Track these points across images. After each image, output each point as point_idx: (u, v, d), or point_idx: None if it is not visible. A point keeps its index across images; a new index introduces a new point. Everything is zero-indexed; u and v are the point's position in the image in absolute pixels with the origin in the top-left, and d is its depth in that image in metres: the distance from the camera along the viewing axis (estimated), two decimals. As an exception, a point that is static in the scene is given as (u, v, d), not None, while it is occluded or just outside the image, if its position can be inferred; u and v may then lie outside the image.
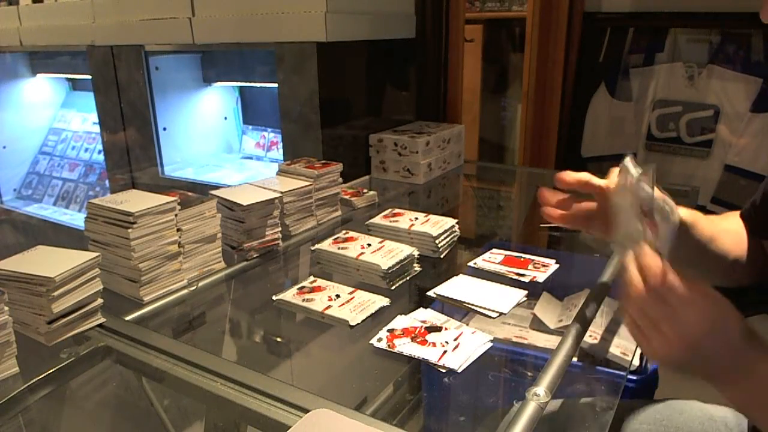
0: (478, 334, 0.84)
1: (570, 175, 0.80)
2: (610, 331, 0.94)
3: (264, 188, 1.20)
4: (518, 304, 0.94)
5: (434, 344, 0.81)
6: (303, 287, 1.02)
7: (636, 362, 1.20)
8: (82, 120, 2.86)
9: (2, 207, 2.81)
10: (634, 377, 1.18)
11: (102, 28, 2.14)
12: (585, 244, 1.26)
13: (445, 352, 0.79)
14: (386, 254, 1.08)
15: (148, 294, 0.97)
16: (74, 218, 2.62)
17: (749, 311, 0.98)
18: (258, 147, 2.39)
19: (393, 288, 1.04)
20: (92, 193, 2.73)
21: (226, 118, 2.41)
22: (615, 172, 0.76)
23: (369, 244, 1.13)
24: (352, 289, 1.00)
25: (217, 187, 1.22)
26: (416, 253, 1.11)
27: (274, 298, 1.00)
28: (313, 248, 1.15)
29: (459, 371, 0.76)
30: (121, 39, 2.09)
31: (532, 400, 0.64)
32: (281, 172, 1.36)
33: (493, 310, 0.92)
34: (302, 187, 1.26)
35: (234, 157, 2.41)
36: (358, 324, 0.90)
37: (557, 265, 1.08)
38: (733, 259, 0.84)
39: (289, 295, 1.00)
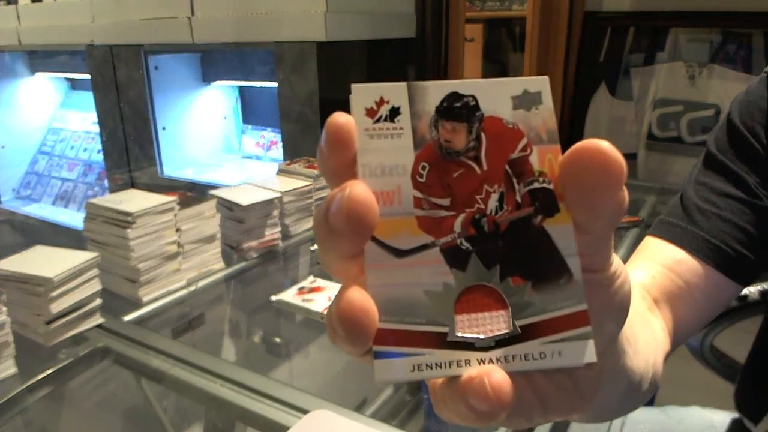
0: None
1: None
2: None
3: (263, 188, 1.20)
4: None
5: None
6: (303, 287, 1.02)
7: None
8: (81, 119, 2.86)
9: (1, 207, 2.80)
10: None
11: (101, 27, 2.14)
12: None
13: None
14: (386, 254, 1.07)
15: (147, 294, 0.97)
16: (73, 218, 2.61)
17: (750, 312, 0.97)
18: (258, 147, 2.39)
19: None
20: (91, 193, 2.73)
21: (225, 117, 2.40)
22: None
23: (369, 244, 1.12)
24: (352, 289, 0.99)
25: (216, 186, 1.21)
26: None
27: (273, 298, 0.99)
28: (312, 248, 1.15)
29: None
30: (121, 38, 2.08)
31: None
32: (281, 171, 1.35)
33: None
34: (302, 186, 1.25)
35: (233, 156, 2.40)
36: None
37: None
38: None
39: (289, 295, 0.99)
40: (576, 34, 1.93)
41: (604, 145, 0.21)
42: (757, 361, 0.71)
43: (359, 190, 0.21)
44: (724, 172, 0.53)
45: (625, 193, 0.22)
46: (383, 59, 1.87)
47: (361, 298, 0.21)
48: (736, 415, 0.82)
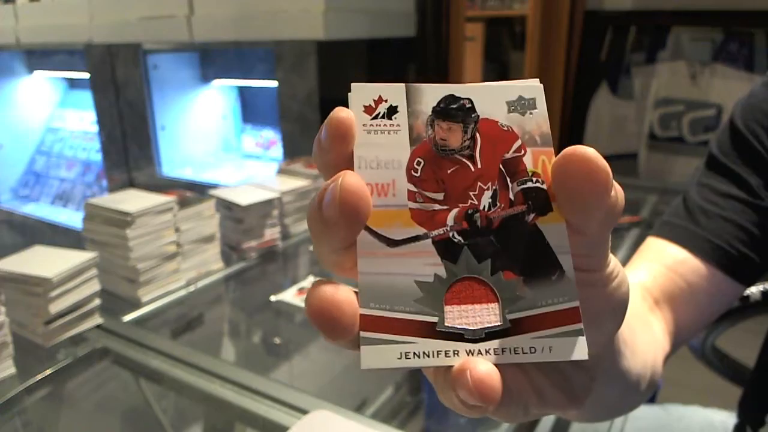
0: None
1: None
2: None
3: (263, 188, 1.19)
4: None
5: None
6: (302, 287, 1.01)
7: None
8: (80, 119, 2.85)
9: None
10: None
11: (99, 26, 2.13)
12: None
13: None
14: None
15: (146, 294, 0.96)
16: (71, 218, 2.61)
17: (752, 312, 0.97)
18: (257, 146, 2.39)
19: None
20: (90, 193, 2.72)
21: (224, 116, 2.40)
22: None
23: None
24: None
25: (215, 186, 1.21)
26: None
27: (272, 298, 0.99)
28: (312, 248, 1.14)
29: None
30: (119, 37, 2.08)
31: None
32: (281, 171, 1.35)
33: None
34: (302, 186, 1.25)
35: (233, 156, 2.40)
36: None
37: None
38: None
39: (289, 295, 0.99)
40: (577, 32, 1.92)
41: (589, 152, 0.21)
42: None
43: (351, 179, 0.21)
44: (726, 173, 0.53)
45: (618, 196, 0.22)
46: (383, 58, 1.86)
47: (331, 292, 0.21)
48: (735, 415, 0.82)
